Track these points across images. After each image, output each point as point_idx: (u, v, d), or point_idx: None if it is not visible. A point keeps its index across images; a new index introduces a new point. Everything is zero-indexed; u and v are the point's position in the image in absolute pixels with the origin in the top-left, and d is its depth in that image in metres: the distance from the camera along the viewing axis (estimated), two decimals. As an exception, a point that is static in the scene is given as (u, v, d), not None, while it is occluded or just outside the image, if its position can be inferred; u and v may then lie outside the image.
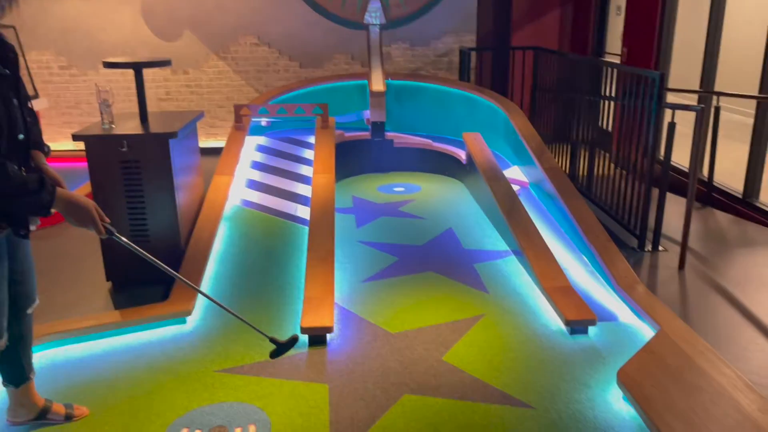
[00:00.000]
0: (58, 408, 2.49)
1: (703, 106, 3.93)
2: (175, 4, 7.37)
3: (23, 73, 7.13)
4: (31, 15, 7.29)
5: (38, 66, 7.46)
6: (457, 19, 7.64)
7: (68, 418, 2.49)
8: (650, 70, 4.47)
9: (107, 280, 3.71)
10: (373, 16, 7.19)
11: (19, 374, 2.40)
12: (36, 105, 6.78)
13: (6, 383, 2.41)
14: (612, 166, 4.77)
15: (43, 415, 2.46)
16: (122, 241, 2.21)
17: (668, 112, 4.13)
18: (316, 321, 3.03)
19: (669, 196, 4.89)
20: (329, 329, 3.01)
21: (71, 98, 7.62)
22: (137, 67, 3.80)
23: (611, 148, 4.87)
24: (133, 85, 3.86)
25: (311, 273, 3.46)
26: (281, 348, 2.64)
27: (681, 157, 5.68)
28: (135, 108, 3.94)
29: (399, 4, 7.40)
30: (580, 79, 5.31)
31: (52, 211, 1.93)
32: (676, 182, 5.58)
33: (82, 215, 1.98)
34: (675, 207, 4.85)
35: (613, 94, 4.84)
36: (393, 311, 3.33)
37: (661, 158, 4.13)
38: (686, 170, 5.41)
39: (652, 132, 4.02)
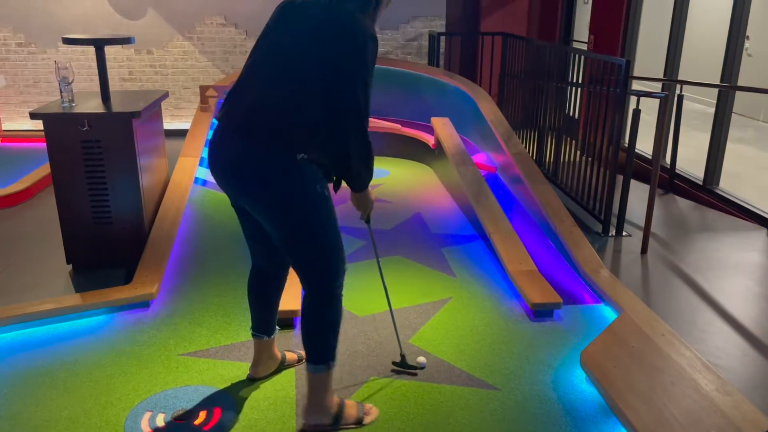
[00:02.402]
0: (351, 410, 2.30)
1: (667, 93, 3.99)
2: (139, -19, 7.17)
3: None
4: (-14, -11, 7.01)
5: (-6, 42, 7.20)
6: (426, 3, 7.60)
7: (359, 422, 2.29)
8: (616, 57, 4.53)
9: (68, 262, 3.61)
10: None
11: (336, 344, 2.22)
12: (-9, 83, 6.57)
13: (317, 362, 2.19)
14: (578, 152, 4.82)
15: (337, 420, 2.25)
16: (370, 231, 2.54)
17: (633, 100, 4.19)
18: (283, 304, 2.98)
19: (633, 182, 4.98)
20: (296, 312, 2.99)
21: (29, 76, 7.37)
22: (98, 44, 3.69)
23: (578, 135, 4.92)
24: (94, 64, 3.75)
25: (278, 256, 3.42)
26: (403, 365, 2.65)
27: (645, 145, 5.79)
28: (97, 87, 3.83)
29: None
30: (547, 66, 5.34)
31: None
32: (640, 169, 5.67)
33: (370, 200, 2.32)
34: (638, 193, 4.94)
35: (579, 81, 4.89)
36: (360, 295, 3.32)
37: (626, 145, 4.20)
38: (650, 157, 5.51)
39: (618, 118, 4.08)
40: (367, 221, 2.45)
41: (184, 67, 7.53)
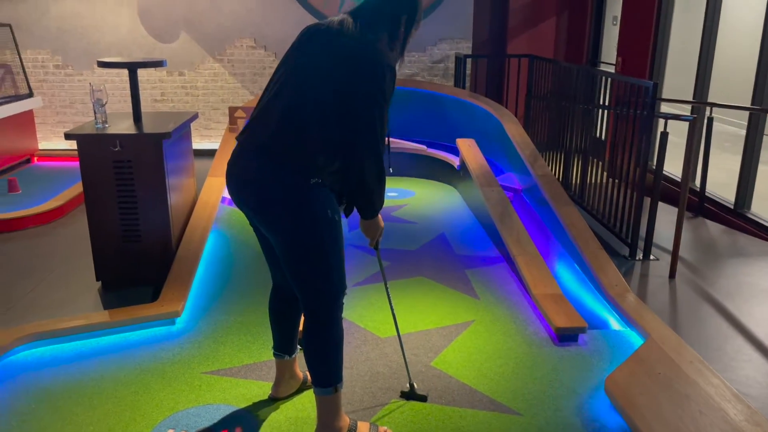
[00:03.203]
0: (364, 431, 2.33)
1: (695, 116, 3.94)
2: (172, 5, 7.37)
3: (17, 71, 7.03)
4: (27, 13, 7.27)
5: (33, 65, 7.44)
6: (453, 26, 7.66)
7: None
8: (644, 79, 4.50)
9: (97, 279, 3.69)
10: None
11: (339, 367, 2.25)
12: (30, 104, 6.80)
13: (323, 384, 2.22)
14: (605, 174, 4.78)
15: None
16: (379, 257, 2.57)
17: (661, 122, 4.15)
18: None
19: (661, 205, 4.91)
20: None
21: (66, 97, 7.60)
22: (132, 67, 3.80)
23: (604, 157, 4.89)
24: (128, 85, 3.86)
25: (302, 276, 3.45)
26: (411, 394, 2.63)
27: (675, 168, 5.71)
28: (130, 108, 3.93)
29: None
30: (574, 88, 5.33)
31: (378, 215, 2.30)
32: (669, 192, 5.60)
33: (379, 227, 2.34)
34: (667, 216, 4.87)
35: (606, 103, 4.86)
36: (383, 316, 3.32)
37: (654, 168, 4.15)
38: (679, 180, 5.44)
39: (645, 141, 4.04)
40: (376, 247, 2.45)
41: (215, 89, 7.69)
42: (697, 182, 5.42)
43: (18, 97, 6.81)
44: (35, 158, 6.89)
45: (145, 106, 7.18)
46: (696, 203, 5.26)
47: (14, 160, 6.52)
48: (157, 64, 3.90)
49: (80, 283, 3.76)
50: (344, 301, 2.27)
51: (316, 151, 2.07)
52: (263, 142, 2.10)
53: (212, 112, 7.74)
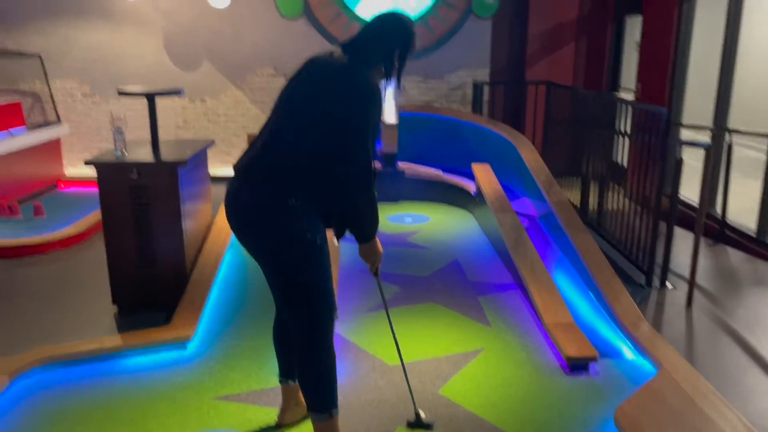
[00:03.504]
0: None
1: (710, 143, 3.91)
2: (196, 36, 7.57)
3: (46, 99, 7.22)
4: (57, 44, 7.52)
5: (62, 93, 7.66)
6: (471, 53, 7.73)
7: None
8: (659, 106, 4.48)
9: (113, 303, 3.75)
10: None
11: (333, 392, 2.25)
12: (58, 131, 6.99)
13: (318, 409, 2.22)
14: (625, 201, 4.73)
15: None
16: (379, 283, 2.55)
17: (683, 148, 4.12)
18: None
19: (682, 233, 4.85)
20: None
21: (92, 125, 7.80)
22: (150, 96, 3.90)
23: (625, 183, 4.85)
24: (150, 113, 3.95)
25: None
26: (417, 423, 2.60)
27: (696, 194, 5.62)
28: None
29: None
30: (590, 114, 5.32)
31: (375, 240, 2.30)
32: (690, 219, 5.51)
33: (377, 253, 2.34)
34: (687, 243, 4.79)
35: (623, 130, 4.84)
36: (391, 342, 3.30)
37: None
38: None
39: (659, 167, 4.01)
40: (375, 274, 2.43)
41: (236, 116, 7.83)
42: (719, 209, 5.33)
43: (46, 125, 7.02)
44: (61, 184, 7.07)
45: (168, 133, 7.33)
46: (717, 230, 5.17)
47: (41, 186, 6.69)
48: (175, 93, 4.00)
49: (98, 306, 3.82)
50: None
51: (294, 170, 2.11)
52: (248, 166, 2.17)
53: (233, 138, 7.87)
